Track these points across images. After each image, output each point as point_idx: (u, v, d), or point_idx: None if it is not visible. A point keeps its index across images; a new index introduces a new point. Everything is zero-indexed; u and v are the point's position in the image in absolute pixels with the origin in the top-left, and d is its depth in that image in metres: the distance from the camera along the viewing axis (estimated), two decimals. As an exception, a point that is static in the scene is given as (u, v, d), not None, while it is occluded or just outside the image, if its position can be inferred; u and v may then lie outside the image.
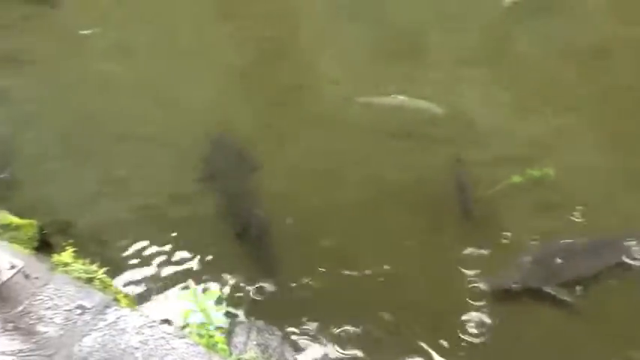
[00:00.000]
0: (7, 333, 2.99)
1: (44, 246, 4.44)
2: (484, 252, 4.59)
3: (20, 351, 2.91)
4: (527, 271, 4.37)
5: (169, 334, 3.04)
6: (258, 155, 5.66)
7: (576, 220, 4.80)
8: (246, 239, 4.81)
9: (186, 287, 3.61)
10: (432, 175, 5.33)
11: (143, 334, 3.02)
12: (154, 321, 3.12)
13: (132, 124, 6.09)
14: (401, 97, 6.25)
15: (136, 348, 2.95)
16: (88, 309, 3.13)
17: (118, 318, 3.10)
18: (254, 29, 7.74)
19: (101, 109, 6.33)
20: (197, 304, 3.34)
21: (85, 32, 7.63)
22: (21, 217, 4.55)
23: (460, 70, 6.67)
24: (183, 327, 3.33)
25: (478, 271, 4.45)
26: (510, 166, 5.23)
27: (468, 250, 4.60)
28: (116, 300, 3.52)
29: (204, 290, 3.71)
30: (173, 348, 2.96)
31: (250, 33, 7.69)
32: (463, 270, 4.48)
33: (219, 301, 3.51)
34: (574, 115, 5.95)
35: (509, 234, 4.74)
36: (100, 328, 3.04)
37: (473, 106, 6.15)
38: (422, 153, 5.62)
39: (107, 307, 3.16)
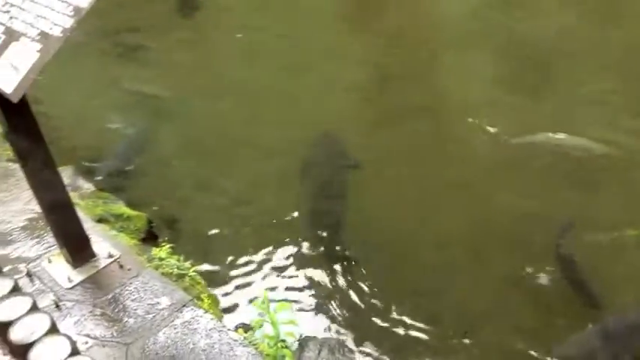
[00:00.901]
0: (94, 318, 3.30)
1: (150, 238, 4.81)
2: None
3: (103, 337, 3.20)
4: (594, 345, 4.01)
5: (235, 340, 3.20)
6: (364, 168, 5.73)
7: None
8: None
9: (266, 296, 3.73)
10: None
11: (211, 337, 3.20)
12: (224, 326, 3.30)
13: (253, 131, 6.37)
14: (558, 136, 5.85)
15: (203, 350, 3.13)
16: (168, 305, 3.37)
17: (193, 318, 3.30)
18: (382, 46, 7.79)
19: (229, 111, 6.69)
20: (269, 315, 3.46)
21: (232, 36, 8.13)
22: (134, 208, 4.97)
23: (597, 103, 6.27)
24: (251, 335, 3.46)
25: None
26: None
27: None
28: (197, 299, 3.77)
29: (279, 302, 3.82)
30: (236, 355, 3.11)
31: (378, 50, 7.73)
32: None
33: (291, 314, 3.59)
34: None
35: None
36: (175, 325, 3.26)
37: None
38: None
39: (185, 306, 3.38)
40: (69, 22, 2.91)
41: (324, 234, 5.12)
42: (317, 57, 7.57)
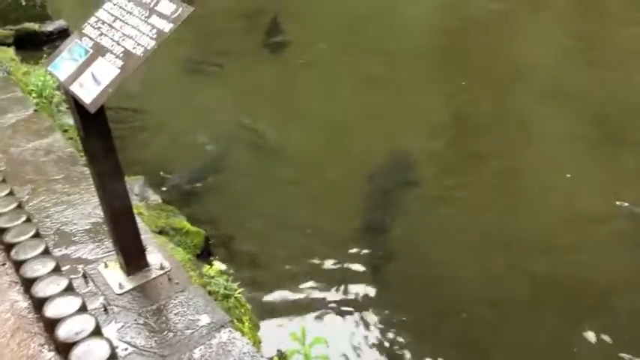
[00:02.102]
0: (138, 326, 3.42)
1: (206, 254, 4.95)
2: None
3: (142, 346, 3.31)
4: None
5: (266, 368, 3.23)
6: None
7: None
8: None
9: (303, 329, 3.75)
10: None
11: (243, 361, 3.24)
12: (257, 352, 3.32)
13: (325, 164, 6.48)
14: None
15: (233, 373, 3.17)
16: (207, 324, 3.44)
17: (229, 339, 3.35)
18: (462, 96, 7.75)
19: (304, 143, 6.87)
20: (303, 348, 3.47)
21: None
22: (195, 224, 5.14)
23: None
24: (285, 366, 3.48)
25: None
26: None
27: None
28: (237, 321, 3.84)
29: (316, 336, 3.82)
30: (264, 383, 3.13)
31: (457, 100, 7.70)
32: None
33: (325, 349, 3.58)
34: None
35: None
36: (211, 344, 3.32)
37: None
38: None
39: (223, 326, 3.43)
40: (151, 44, 3.11)
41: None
42: (397, 97, 7.64)
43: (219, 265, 4.32)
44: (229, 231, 5.51)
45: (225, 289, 4.12)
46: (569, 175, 6.12)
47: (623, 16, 9.05)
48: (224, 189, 6.23)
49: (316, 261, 5.26)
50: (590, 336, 4.47)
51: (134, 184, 5.51)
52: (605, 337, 4.44)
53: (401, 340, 4.51)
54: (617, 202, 5.71)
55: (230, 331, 3.42)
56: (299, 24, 9.71)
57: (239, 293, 4.17)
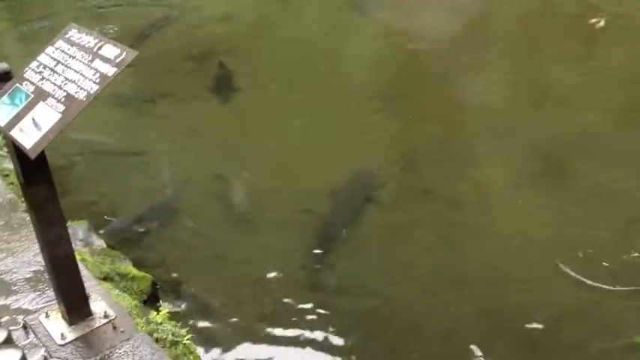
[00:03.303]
0: (80, 378, 3.30)
1: (153, 300, 4.83)
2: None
3: (85, 398, 3.19)
4: None
5: (216, 417, 3.15)
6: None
7: None
8: None
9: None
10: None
11: (191, 411, 3.16)
12: (206, 401, 3.25)
13: (270, 200, 6.49)
14: None
15: (181, 423, 3.08)
16: (154, 373, 3.35)
17: (176, 389, 3.27)
18: (409, 132, 7.93)
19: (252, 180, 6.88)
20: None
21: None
22: (141, 269, 5.02)
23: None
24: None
25: None
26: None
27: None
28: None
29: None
30: None
31: (404, 136, 7.88)
32: None
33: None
34: None
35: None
36: (157, 394, 3.23)
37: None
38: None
39: (171, 375, 3.35)
40: (94, 88, 3.09)
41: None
42: (345, 134, 7.75)
43: (167, 309, 4.22)
44: (178, 275, 5.41)
45: (173, 335, 4.02)
46: (512, 209, 6.29)
47: (560, 55, 9.47)
48: (171, 232, 6.11)
49: (267, 302, 5.21)
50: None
51: (78, 229, 5.36)
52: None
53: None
54: (558, 234, 5.89)
55: (178, 379, 3.34)
56: (248, 66, 9.77)
57: (187, 339, 4.08)
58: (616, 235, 5.75)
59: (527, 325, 4.95)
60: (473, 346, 4.73)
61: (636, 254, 5.53)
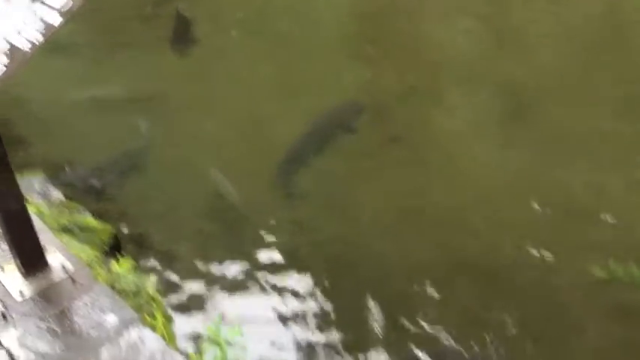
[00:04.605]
0: (39, 332, 3.25)
1: (114, 251, 4.76)
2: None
3: (45, 352, 3.15)
4: None
5: (178, 364, 3.14)
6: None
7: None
8: None
9: (217, 320, 3.69)
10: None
11: (154, 359, 3.14)
12: (169, 348, 3.24)
13: (229, 153, 6.40)
14: None
15: (144, 371, 3.08)
16: (115, 323, 3.31)
17: (139, 338, 3.24)
18: (377, 78, 7.82)
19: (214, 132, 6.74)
20: (217, 339, 3.41)
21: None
22: (101, 220, 4.93)
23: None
24: (200, 359, 3.41)
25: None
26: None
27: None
28: (150, 318, 3.72)
29: (232, 326, 3.77)
30: (177, 379, 3.06)
31: (371, 81, 7.77)
32: None
33: (242, 339, 3.54)
34: None
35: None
36: (120, 344, 3.20)
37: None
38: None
39: (132, 324, 3.32)
40: (39, 39, 2.92)
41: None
42: (314, 82, 7.61)
43: (128, 260, 4.16)
44: (140, 226, 5.34)
45: (136, 285, 3.98)
46: (478, 152, 6.30)
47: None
48: (134, 184, 6.00)
49: (231, 250, 5.18)
50: (499, 314, 4.59)
51: (34, 181, 5.22)
52: (514, 315, 4.57)
53: (318, 321, 4.53)
54: (526, 178, 5.93)
55: (140, 329, 3.31)
56: (208, 11, 9.44)
57: (151, 289, 4.04)
58: (581, 175, 5.80)
59: (491, 265, 5.02)
60: (435, 286, 4.79)
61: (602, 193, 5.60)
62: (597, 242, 5.02)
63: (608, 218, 5.24)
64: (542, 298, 4.62)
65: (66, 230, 4.50)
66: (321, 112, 6.79)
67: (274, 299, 4.69)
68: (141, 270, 4.36)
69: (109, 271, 4.09)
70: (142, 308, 3.80)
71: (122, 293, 3.79)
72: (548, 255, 4.93)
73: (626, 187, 5.58)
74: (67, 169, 6.05)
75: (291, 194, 5.81)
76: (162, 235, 5.29)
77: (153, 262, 4.91)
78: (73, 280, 3.55)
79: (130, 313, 3.40)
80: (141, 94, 7.39)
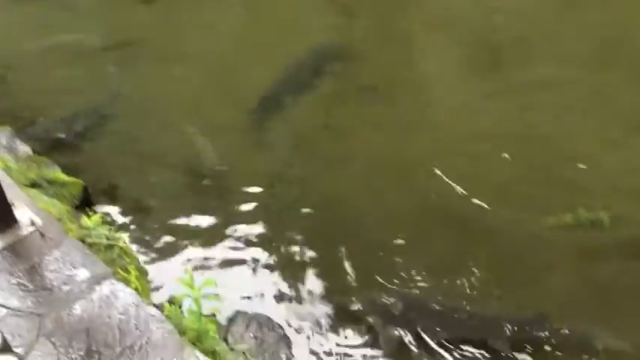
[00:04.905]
0: (10, 287, 3.22)
1: (85, 205, 4.71)
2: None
3: (17, 307, 3.13)
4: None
5: (152, 316, 3.16)
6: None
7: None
8: None
9: (190, 272, 3.68)
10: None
11: (128, 312, 3.15)
12: (142, 301, 3.24)
13: (201, 101, 6.27)
14: None
15: (118, 324, 3.08)
16: (87, 278, 3.30)
17: (111, 292, 3.24)
18: (349, 24, 7.67)
19: (181, 79, 6.59)
20: (192, 291, 3.42)
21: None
22: (71, 174, 4.86)
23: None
24: (175, 310, 3.42)
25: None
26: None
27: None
28: (124, 272, 3.72)
29: (206, 278, 3.78)
30: (150, 330, 3.07)
31: (344, 27, 7.61)
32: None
33: (216, 289, 3.56)
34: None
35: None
36: (92, 298, 3.20)
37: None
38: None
39: (104, 278, 3.31)
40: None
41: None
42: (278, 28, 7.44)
43: (99, 214, 4.12)
44: (111, 179, 5.26)
45: (108, 239, 3.96)
46: (451, 102, 6.27)
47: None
48: (103, 137, 5.88)
49: (206, 199, 5.15)
50: (470, 260, 4.65)
51: (0, 135, 5.11)
52: (484, 259, 4.64)
53: (293, 271, 4.57)
54: (499, 125, 5.94)
55: (112, 282, 3.31)
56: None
57: (123, 242, 4.02)
58: (553, 121, 5.83)
59: (463, 211, 5.07)
60: (408, 234, 4.84)
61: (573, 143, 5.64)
62: (567, 189, 5.10)
63: (579, 166, 5.31)
64: (512, 243, 4.71)
65: (34, 185, 4.43)
66: (297, 57, 6.67)
67: (248, 250, 4.70)
68: (113, 224, 4.31)
69: (80, 225, 4.06)
70: (114, 262, 3.79)
71: (94, 247, 3.78)
72: (519, 201, 4.99)
73: (598, 138, 5.64)
74: (34, 122, 5.90)
75: (264, 142, 5.74)
76: (135, 188, 5.23)
77: (125, 216, 4.87)
78: (43, 235, 3.51)
79: (102, 267, 3.39)
80: (109, 42, 7.19)
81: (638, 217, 4.83)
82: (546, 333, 4.16)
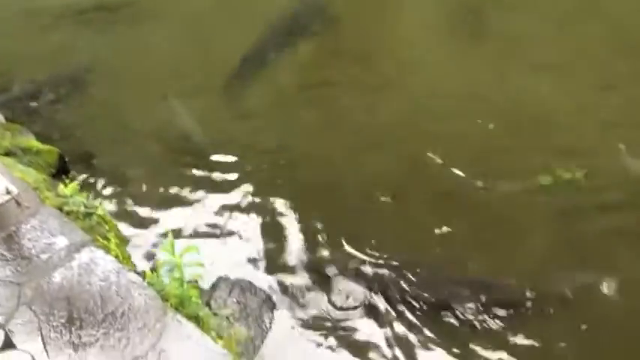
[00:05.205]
0: (-14, 256, 3.18)
1: (62, 173, 4.63)
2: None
3: (-5, 277, 3.09)
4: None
5: (133, 282, 3.14)
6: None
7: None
8: None
9: (171, 238, 3.65)
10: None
11: (109, 279, 3.12)
12: (123, 268, 3.22)
13: (177, 63, 6.16)
14: None
15: (99, 291, 3.06)
16: (66, 245, 3.26)
17: (91, 259, 3.21)
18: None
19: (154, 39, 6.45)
20: (173, 257, 3.40)
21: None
22: (46, 142, 4.76)
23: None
24: (157, 277, 3.40)
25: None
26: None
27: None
28: (103, 239, 3.68)
29: (187, 244, 3.75)
30: (132, 297, 3.06)
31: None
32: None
33: (196, 255, 3.53)
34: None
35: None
36: (72, 266, 3.17)
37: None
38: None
39: (83, 246, 3.28)
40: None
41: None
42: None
43: (77, 182, 4.04)
44: (88, 147, 5.16)
45: (86, 207, 3.90)
46: (429, 63, 6.22)
47: None
48: (79, 102, 5.75)
49: (184, 167, 5.09)
50: (450, 224, 4.66)
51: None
52: (464, 223, 4.66)
53: (272, 237, 4.56)
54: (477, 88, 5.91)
55: (91, 250, 3.28)
56: None
57: (102, 210, 3.97)
58: (530, 81, 5.82)
59: (442, 176, 5.08)
60: (387, 200, 4.85)
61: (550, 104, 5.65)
62: (543, 150, 5.12)
63: (555, 128, 5.34)
64: (490, 206, 4.73)
65: (9, 153, 4.34)
66: (278, 16, 6.52)
67: (229, 218, 4.68)
68: (90, 192, 4.25)
69: (57, 194, 3.99)
70: (93, 230, 3.74)
71: (71, 215, 3.72)
72: (496, 164, 5.02)
73: (572, 97, 5.65)
74: (7, 89, 5.75)
75: (244, 106, 5.67)
76: (113, 157, 5.14)
77: (103, 185, 4.80)
78: (19, 204, 3.44)
79: (81, 235, 3.35)
80: (85, 6, 6.98)
81: (613, 173, 4.88)
82: (517, 296, 4.18)
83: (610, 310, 4.06)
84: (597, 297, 4.11)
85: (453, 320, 4.05)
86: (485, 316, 4.04)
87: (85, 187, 4.35)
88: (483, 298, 4.13)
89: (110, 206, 4.52)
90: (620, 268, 4.27)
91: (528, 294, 4.16)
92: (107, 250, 3.42)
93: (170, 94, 5.72)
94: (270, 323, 3.98)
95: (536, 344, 3.92)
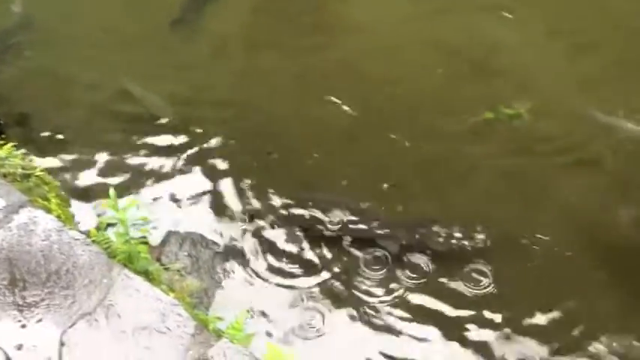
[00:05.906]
0: None
1: (-2, 136, 4.45)
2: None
3: None
4: None
5: (76, 239, 3.07)
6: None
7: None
8: None
9: (113, 194, 3.56)
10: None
11: (50, 238, 3.05)
12: (64, 226, 3.14)
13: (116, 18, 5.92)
14: None
15: (41, 251, 2.99)
16: (3, 207, 3.16)
17: (30, 219, 3.12)
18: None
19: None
20: (117, 213, 3.33)
21: None
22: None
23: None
24: (102, 235, 3.34)
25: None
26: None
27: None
28: (43, 200, 3.58)
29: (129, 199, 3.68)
30: (76, 254, 2.99)
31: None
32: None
33: (140, 211, 3.48)
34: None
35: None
36: (10, 227, 3.07)
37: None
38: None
39: (22, 206, 3.18)
40: None
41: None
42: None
43: (12, 143, 3.88)
44: (23, 108, 4.97)
45: (23, 168, 3.77)
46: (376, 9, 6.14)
47: None
48: (12, 61, 5.48)
49: (128, 128, 4.95)
50: (396, 167, 4.73)
51: None
52: (410, 165, 4.72)
53: (222, 187, 4.53)
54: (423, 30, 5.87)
55: (30, 210, 3.18)
56: None
57: (40, 171, 3.84)
58: (474, 24, 5.82)
59: (388, 118, 5.07)
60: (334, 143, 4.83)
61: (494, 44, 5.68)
62: (487, 89, 5.18)
63: (498, 65, 5.38)
64: (438, 144, 4.78)
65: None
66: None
67: (173, 172, 4.61)
68: (29, 152, 4.11)
69: (-9, 156, 3.83)
70: (31, 191, 3.63)
71: (8, 177, 3.60)
72: (442, 103, 5.06)
73: (518, 40, 5.68)
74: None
75: (184, 58, 5.51)
76: (50, 118, 4.95)
77: (41, 146, 4.63)
78: (-51, 168, 3.31)
79: (19, 195, 3.24)
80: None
81: (554, 109, 4.98)
82: (442, 237, 4.25)
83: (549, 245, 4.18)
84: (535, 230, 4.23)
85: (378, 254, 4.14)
86: (413, 254, 4.12)
87: (22, 148, 4.17)
88: (411, 238, 4.19)
89: (49, 168, 4.36)
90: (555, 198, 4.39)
91: (459, 234, 4.24)
92: (48, 210, 3.33)
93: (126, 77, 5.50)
94: (223, 274, 3.98)
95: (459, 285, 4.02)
